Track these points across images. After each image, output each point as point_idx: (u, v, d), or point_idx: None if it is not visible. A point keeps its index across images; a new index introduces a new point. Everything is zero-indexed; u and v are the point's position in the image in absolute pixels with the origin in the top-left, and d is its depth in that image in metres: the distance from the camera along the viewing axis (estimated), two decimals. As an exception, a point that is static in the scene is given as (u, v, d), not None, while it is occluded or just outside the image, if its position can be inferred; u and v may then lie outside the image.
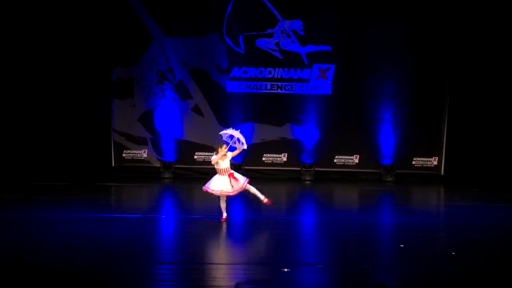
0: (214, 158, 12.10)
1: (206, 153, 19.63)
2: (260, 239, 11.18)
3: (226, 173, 12.08)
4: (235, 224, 12.63)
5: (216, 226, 12.03)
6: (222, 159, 12.07)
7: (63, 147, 19.39)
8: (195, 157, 19.76)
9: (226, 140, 12.37)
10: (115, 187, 17.98)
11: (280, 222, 12.53)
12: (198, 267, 8.99)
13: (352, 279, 8.59)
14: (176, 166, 19.68)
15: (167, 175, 19.46)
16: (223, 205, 12.27)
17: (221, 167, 12.08)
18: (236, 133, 12.22)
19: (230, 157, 12.17)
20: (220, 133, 12.56)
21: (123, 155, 19.77)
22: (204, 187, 12.22)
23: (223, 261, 9.53)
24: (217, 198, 12.28)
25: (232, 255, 10.03)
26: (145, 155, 19.79)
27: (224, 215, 12.28)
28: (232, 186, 11.99)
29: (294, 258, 9.70)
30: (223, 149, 12.03)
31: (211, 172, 19.46)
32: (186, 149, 19.71)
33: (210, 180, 12.21)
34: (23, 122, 19.20)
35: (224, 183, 12.03)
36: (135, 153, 19.79)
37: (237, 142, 12.20)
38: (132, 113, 19.69)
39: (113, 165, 19.72)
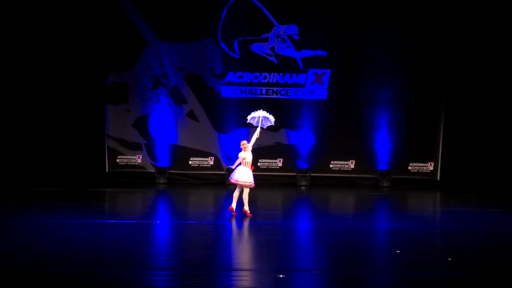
0: (240, 154, 13.43)
1: (201, 159, 19.65)
2: (256, 245, 11.16)
3: (249, 165, 13.36)
4: (230, 230, 12.63)
5: (211, 232, 12.03)
6: (245, 151, 13.39)
7: (57, 153, 19.35)
8: (190, 162, 19.75)
9: (253, 122, 13.79)
10: (109, 192, 17.95)
11: (276, 227, 12.52)
12: (193, 273, 8.97)
13: (348, 285, 8.59)
14: (171, 171, 19.66)
15: (161, 181, 19.44)
16: (237, 194, 13.43)
17: (247, 160, 13.35)
18: (259, 113, 13.67)
19: (250, 148, 13.39)
20: (249, 121, 13.86)
21: (117, 160, 19.74)
22: (232, 180, 13.44)
23: (218, 267, 9.51)
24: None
25: (227, 261, 10.01)
26: (139, 161, 19.77)
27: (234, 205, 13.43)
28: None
29: (290, 264, 9.69)
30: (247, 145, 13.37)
31: (206, 177, 19.60)
32: (181, 154, 19.69)
33: (235, 172, 13.37)
34: (16, 128, 19.16)
35: (250, 175, 13.31)
36: (129, 159, 19.76)
37: (259, 123, 13.63)
38: (127, 119, 19.67)
39: (107, 170, 19.70)
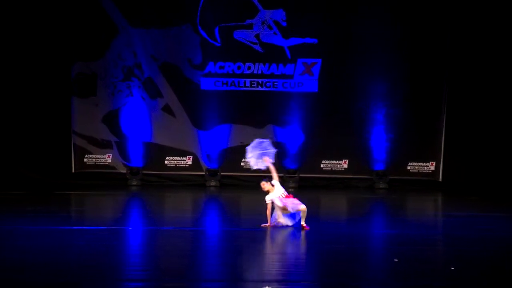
0: (267, 198, 12.66)
1: (178, 158, 19.65)
2: (240, 253, 11.19)
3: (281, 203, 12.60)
4: (211, 237, 12.65)
5: (190, 239, 12.04)
6: (272, 191, 12.66)
7: (17, 152, 19.28)
8: (166, 162, 19.75)
9: (258, 155, 13.29)
10: (76, 195, 17.92)
11: (261, 234, 12.55)
12: (170, 285, 8.98)
13: (341, 297, 8.65)
14: (145, 172, 19.66)
15: (134, 182, 19.44)
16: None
17: (276, 203, 12.58)
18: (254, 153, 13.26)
19: (277, 181, 12.91)
20: (249, 159, 13.43)
21: (85, 160, 19.71)
22: (272, 223, 12.67)
23: (198, 277, 9.52)
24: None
25: (208, 271, 10.04)
26: (109, 160, 19.75)
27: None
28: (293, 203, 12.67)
29: (276, 274, 9.72)
30: (267, 184, 12.72)
31: (184, 178, 19.59)
32: (156, 153, 19.69)
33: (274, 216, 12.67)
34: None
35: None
36: (98, 158, 19.74)
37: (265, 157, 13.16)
38: (95, 113, 19.64)
39: (73, 171, 19.67)
